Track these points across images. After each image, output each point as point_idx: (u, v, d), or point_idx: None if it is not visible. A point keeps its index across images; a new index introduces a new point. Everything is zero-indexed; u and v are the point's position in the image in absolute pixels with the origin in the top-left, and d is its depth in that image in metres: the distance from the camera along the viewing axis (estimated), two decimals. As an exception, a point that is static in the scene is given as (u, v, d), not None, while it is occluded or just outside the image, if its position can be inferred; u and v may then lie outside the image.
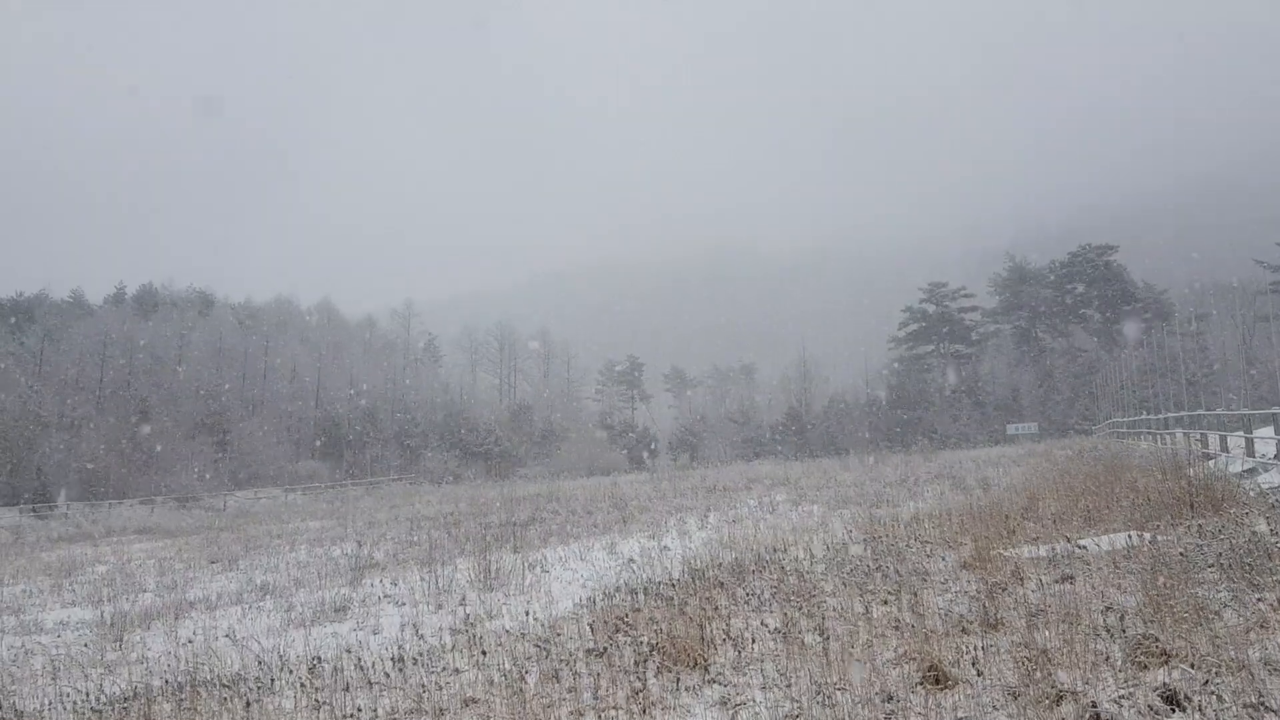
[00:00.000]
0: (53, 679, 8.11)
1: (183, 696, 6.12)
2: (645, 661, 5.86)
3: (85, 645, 9.78)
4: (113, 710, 6.18)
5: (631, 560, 12.16)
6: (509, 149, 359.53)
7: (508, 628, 7.98)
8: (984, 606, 6.81)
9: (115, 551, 22.85)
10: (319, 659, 6.68)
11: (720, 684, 5.64)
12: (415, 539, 18.66)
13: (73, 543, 27.29)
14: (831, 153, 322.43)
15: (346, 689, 5.96)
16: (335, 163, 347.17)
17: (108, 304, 79.32)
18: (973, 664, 5.47)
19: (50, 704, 6.81)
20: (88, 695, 6.83)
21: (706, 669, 5.94)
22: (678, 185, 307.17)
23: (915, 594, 7.39)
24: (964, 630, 6.44)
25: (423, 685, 5.89)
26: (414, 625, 8.48)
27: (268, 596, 12.40)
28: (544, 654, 6.44)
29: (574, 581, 11.55)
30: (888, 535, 11.62)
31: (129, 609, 11.55)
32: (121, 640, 9.79)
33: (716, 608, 7.40)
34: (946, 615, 6.85)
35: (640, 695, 5.29)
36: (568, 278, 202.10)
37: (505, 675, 5.89)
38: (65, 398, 60.71)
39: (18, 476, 51.76)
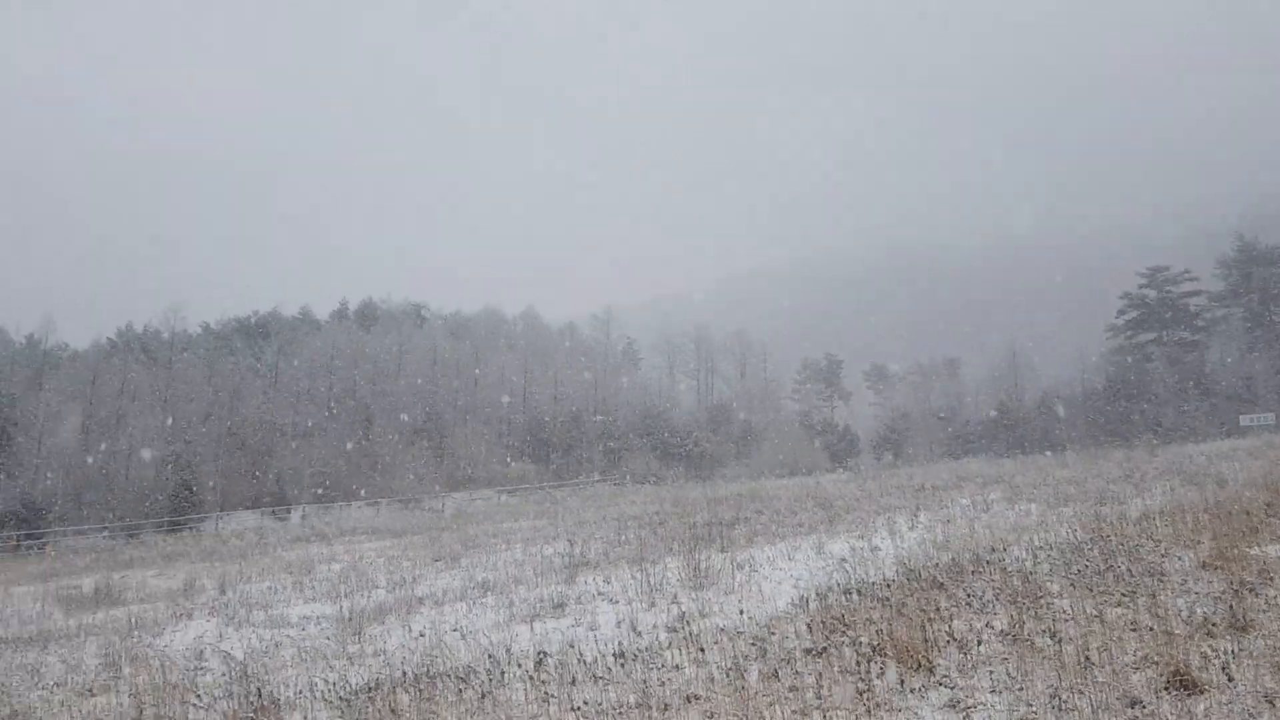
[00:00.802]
0: (301, 669, 8.73)
1: (420, 687, 6.46)
2: (869, 661, 5.76)
3: (327, 638, 10.46)
4: (357, 699, 6.59)
5: (843, 560, 11.97)
6: (702, 154, 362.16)
7: (721, 626, 8.01)
8: (1230, 607, 6.35)
9: (347, 551, 24.37)
10: (544, 653, 6.90)
11: (947, 686, 5.48)
12: (623, 538, 19.00)
13: (309, 543, 29.28)
14: (1022, 140, 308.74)
15: (573, 682, 6.14)
16: (527, 176, 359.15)
17: (332, 319, 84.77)
18: (1223, 669, 5.10)
19: (300, 692, 7.32)
20: (333, 685, 7.31)
21: (931, 670, 5.78)
22: (866, 182, 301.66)
23: (1153, 595, 6.95)
24: (1210, 633, 6.02)
25: (644, 681, 6.00)
26: (630, 622, 8.64)
27: (489, 593, 12.91)
28: (761, 653, 6.43)
29: (784, 581, 11.48)
30: (1115, 534, 10.98)
31: (364, 605, 12.29)
32: (360, 634, 10.42)
33: (937, 608, 7.19)
34: (1189, 617, 6.42)
35: (865, 696, 5.20)
36: (762, 278, 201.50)
37: (725, 673, 5.92)
38: (298, 407, 65.26)
39: (259, 482, 56.07)
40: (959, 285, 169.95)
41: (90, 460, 53.26)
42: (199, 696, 7.25)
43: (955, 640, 6.25)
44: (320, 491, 55.13)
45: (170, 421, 58.01)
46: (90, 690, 8.22)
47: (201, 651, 10.01)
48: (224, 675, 8.18)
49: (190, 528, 46.45)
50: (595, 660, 6.84)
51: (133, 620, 13.54)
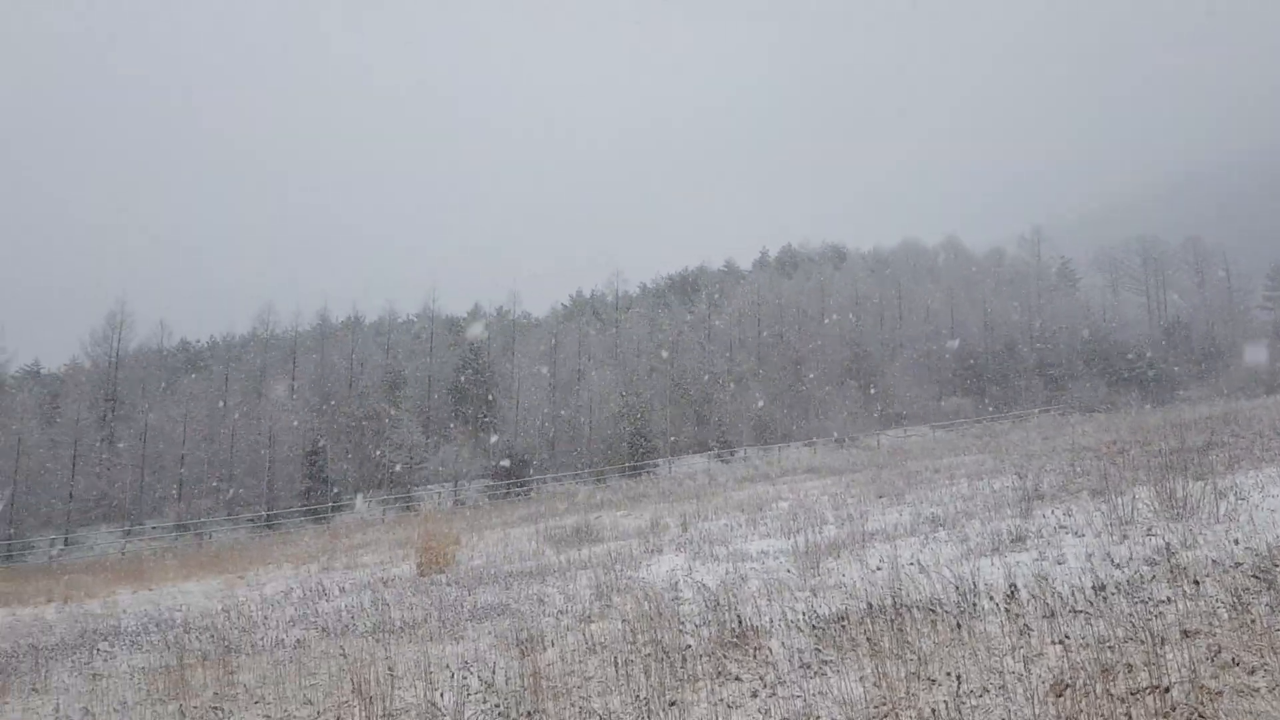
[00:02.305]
0: (767, 600, 9.19)
1: (889, 618, 6.56)
2: None
3: (788, 570, 10.91)
4: (830, 628, 6.83)
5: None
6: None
7: (1213, 558, 7.32)
8: None
9: (791, 489, 25.18)
10: (1014, 586, 6.72)
11: None
12: (1078, 469, 17.89)
13: (754, 482, 30.61)
14: None
15: (1050, 615, 5.93)
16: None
17: (755, 268, 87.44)
18: None
19: (772, 621, 7.73)
20: (802, 614, 7.64)
21: None
22: None
23: None
24: None
25: (1129, 614, 5.66)
26: (1104, 554, 8.16)
27: (940, 528, 12.76)
28: (1267, 584, 5.80)
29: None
30: None
31: (817, 540, 12.66)
32: (817, 567, 10.76)
33: None
34: None
35: None
36: (1211, 177, 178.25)
37: (1227, 607, 5.42)
38: (731, 355, 68.17)
39: (707, 427, 59.43)
40: None
41: (559, 414, 59.36)
42: (682, 624, 7.88)
43: None
44: (757, 433, 57.36)
45: (621, 375, 63.02)
46: (588, 617, 9.24)
47: (676, 583, 10.84)
48: (699, 605, 8.81)
49: (647, 471, 50.37)
50: (1070, 593, 6.55)
51: (611, 555, 15.00)
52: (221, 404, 57.91)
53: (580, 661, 7.10)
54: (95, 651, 11.92)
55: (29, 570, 36.21)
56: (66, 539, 45.53)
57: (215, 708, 7.43)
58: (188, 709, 7.49)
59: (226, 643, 10.64)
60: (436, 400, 63.50)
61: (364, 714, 6.37)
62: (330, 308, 77.81)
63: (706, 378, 64.55)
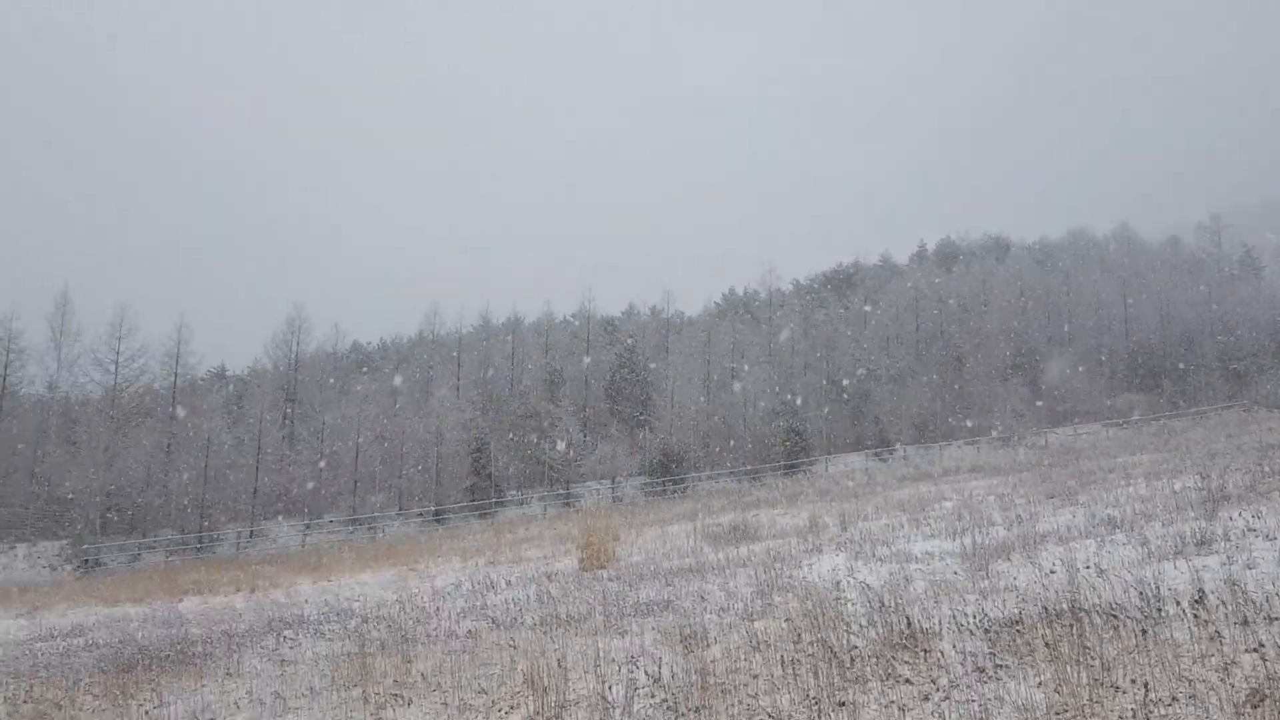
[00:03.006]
0: (934, 601, 9.00)
1: (1066, 623, 6.35)
2: None
3: (955, 572, 10.66)
4: (1003, 632, 6.66)
5: None
6: None
7: None
8: None
9: (954, 489, 24.52)
10: (1202, 591, 6.40)
11: None
12: (1267, 469, 16.81)
13: (915, 482, 29.94)
14: None
15: (1244, 622, 5.63)
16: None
17: (912, 262, 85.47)
18: None
19: (941, 623, 7.57)
20: (972, 617, 7.46)
21: None
22: None
23: None
24: None
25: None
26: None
27: (1117, 530, 12.23)
28: None
29: None
30: None
31: (984, 541, 12.32)
32: (986, 569, 10.47)
33: None
34: None
35: None
36: None
37: None
38: (889, 351, 66.87)
39: (864, 425, 58.52)
40: None
41: (713, 412, 59.49)
42: (847, 624, 7.81)
43: None
44: (916, 432, 56.05)
45: (775, 373, 62.67)
46: (750, 615, 9.25)
47: (838, 582, 10.74)
48: (863, 605, 8.71)
49: (803, 469, 49.93)
50: (1265, 599, 6.19)
51: (770, 554, 14.96)
52: (394, 403, 60.49)
53: (745, 659, 7.13)
54: (281, 639, 12.63)
55: (218, 561, 38.65)
56: (252, 532, 48.38)
57: (395, 694, 7.80)
58: (370, 695, 7.89)
59: (403, 633, 11.13)
60: (594, 398, 64.59)
61: (537, 705, 6.57)
62: (492, 309, 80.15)
63: (863, 374, 63.49)
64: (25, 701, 9.40)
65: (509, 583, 16.60)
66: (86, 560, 41.96)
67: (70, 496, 46.43)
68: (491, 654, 8.91)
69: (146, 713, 8.39)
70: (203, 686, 9.38)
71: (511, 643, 9.23)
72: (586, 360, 67.50)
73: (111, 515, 47.38)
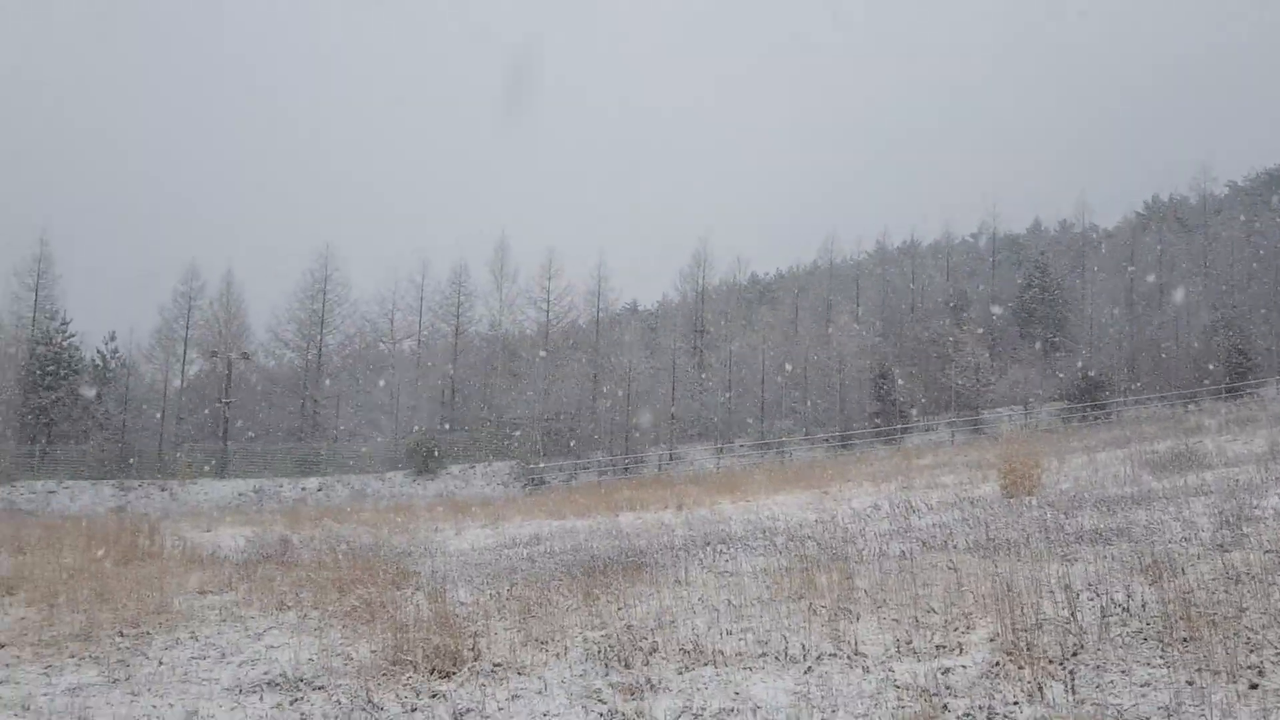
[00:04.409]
0: None
1: None
2: None
3: None
4: None
5: None
6: None
7: None
8: None
9: None
10: None
11: None
12: None
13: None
14: None
15: None
16: None
17: None
18: None
19: None
20: None
21: None
22: None
23: None
24: None
25: None
26: None
27: None
28: None
29: None
30: None
31: None
32: None
33: None
34: None
35: None
36: None
37: None
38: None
39: None
40: None
41: (1136, 332, 54.66)
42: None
43: None
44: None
45: (1211, 286, 56.27)
46: (1221, 546, 8.51)
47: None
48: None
49: (1249, 393, 44.55)
50: None
51: (1226, 483, 13.61)
52: (794, 331, 61.52)
53: (1225, 591, 6.58)
54: (717, 552, 13.40)
55: (643, 481, 41.65)
56: (671, 454, 51.63)
57: (843, 608, 8.04)
58: (816, 607, 8.19)
59: (832, 551, 11.41)
60: (1001, 321, 61.55)
61: (997, 625, 6.50)
62: (889, 232, 78.41)
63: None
64: (509, 599, 10.71)
65: (929, 507, 16.42)
66: (532, 479, 47.00)
67: (515, 421, 52.14)
68: (931, 574, 8.90)
69: (615, 610, 9.27)
70: (658, 592, 10.19)
71: (950, 564, 9.16)
72: (991, 280, 64.36)
73: (550, 438, 52.62)
